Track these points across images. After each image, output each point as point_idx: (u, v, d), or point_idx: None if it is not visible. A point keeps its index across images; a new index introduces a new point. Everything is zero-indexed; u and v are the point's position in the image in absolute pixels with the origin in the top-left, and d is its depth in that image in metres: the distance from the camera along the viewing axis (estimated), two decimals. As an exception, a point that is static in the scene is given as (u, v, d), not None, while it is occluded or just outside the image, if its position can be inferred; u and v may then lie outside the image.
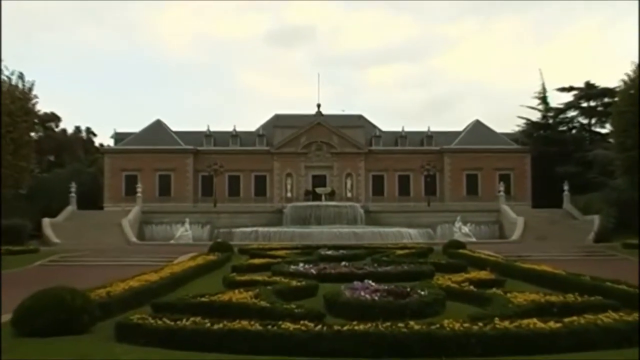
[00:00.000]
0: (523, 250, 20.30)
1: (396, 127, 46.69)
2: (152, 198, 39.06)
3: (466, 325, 5.49)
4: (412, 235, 26.16)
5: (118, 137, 42.73)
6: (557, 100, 50.25)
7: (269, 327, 5.45)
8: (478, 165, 41.53)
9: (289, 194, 41.56)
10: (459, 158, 41.84)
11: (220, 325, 5.53)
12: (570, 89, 42.69)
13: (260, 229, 27.82)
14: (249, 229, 27.90)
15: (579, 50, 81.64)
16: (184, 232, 28.25)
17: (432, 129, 44.50)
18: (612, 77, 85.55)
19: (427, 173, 38.19)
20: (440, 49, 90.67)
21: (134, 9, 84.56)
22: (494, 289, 8.31)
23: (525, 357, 5.00)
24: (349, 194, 41.65)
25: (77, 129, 52.26)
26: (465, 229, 28.49)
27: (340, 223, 31.20)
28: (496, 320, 5.60)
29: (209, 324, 5.56)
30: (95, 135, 53.93)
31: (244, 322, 5.57)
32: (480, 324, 5.49)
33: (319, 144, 41.96)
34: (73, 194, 33.42)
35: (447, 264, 13.66)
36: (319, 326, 5.47)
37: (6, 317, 6.56)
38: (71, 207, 32.87)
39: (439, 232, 30.92)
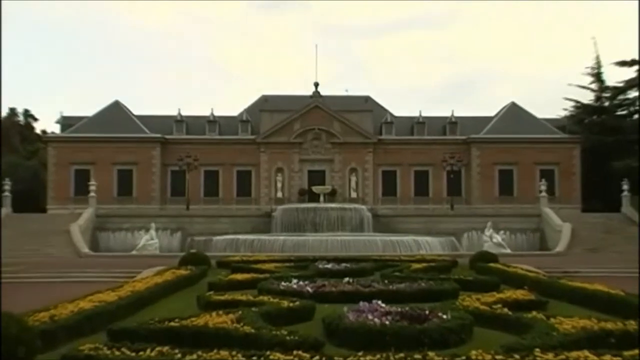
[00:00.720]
0: (570, 264, 20.36)
1: (412, 112, 47.02)
2: (109, 198, 39.23)
3: (499, 357, 5.43)
4: (431, 245, 26.23)
5: (65, 122, 42.66)
6: (616, 77, 50.30)
7: (254, 358, 5.40)
8: (514, 158, 41.62)
9: (279, 194, 41.72)
10: (490, 150, 41.95)
11: (194, 356, 5.47)
12: (633, 62, 39.39)
13: (244, 236, 27.85)
14: (230, 237, 27.93)
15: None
16: (148, 240, 28.17)
17: (457, 113, 44.78)
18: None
19: (450, 168, 38.24)
20: (469, 14, 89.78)
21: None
22: (534, 313, 8.26)
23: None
24: (353, 194, 41.84)
25: (12, 111, 51.46)
26: (498, 238, 28.49)
27: (342, 230, 31.35)
28: (537, 352, 5.52)
29: (179, 355, 5.51)
30: (36, 119, 53.54)
31: (224, 353, 5.49)
32: (517, 356, 5.43)
33: (316, 132, 42.09)
34: (7, 194, 33.30)
35: (475, 281, 13.67)
36: (316, 357, 5.43)
37: None
38: (5, 210, 32.75)
39: (465, 241, 31.04)
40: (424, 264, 17.60)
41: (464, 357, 5.40)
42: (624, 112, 42.98)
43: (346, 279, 13.08)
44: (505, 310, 8.59)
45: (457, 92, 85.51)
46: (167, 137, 42.10)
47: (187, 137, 42.66)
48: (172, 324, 7.24)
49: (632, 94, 41.74)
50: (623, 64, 40.19)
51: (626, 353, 5.52)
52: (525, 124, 42.89)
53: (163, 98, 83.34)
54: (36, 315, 7.54)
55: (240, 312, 7.90)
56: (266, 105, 43.82)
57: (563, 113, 46.51)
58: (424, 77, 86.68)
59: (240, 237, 27.88)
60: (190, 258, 18.08)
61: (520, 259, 20.69)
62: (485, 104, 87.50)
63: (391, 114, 45.26)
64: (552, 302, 10.54)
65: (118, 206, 38.02)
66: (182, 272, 15.37)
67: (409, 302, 9.94)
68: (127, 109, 43.99)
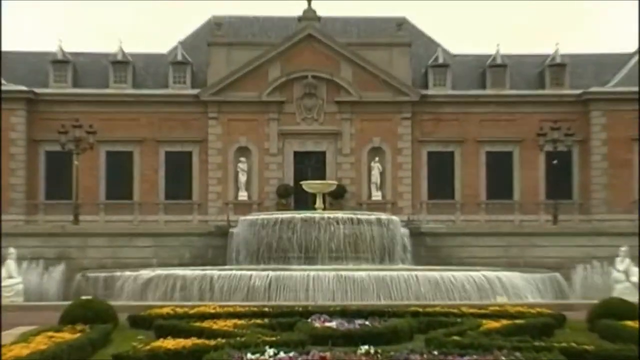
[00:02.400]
0: None
1: (481, 48, 47.08)
2: None
3: None
4: (517, 287, 25.93)
5: None
6: None
7: None
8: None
9: (242, 195, 42.01)
10: (628, 115, 42.13)
11: None
12: None
13: (179, 271, 27.65)
14: (153, 273, 27.75)
15: None
16: (5, 279, 27.98)
17: (563, 50, 44.98)
18: None
19: (552, 148, 38.07)
20: None
21: None
22: None
23: None
24: (376, 195, 42.14)
25: None
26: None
27: (357, 259, 31.19)
28: None
29: None
30: None
31: None
32: None
33: (310, 82, 42.29)
34: None
35: (600, 353, 13.51)
36: None
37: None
38: None
39: (579, 280, 30.78)
40: (505, 321, 17.38)
41: None
42: None
43: (364, 348, 12.91)
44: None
45: (559, 19, 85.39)
46: (39, 91, 42.29)
47: (77, 91, 42.93)
48: None
49: None
50: None
51: None
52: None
53: (35, 26, 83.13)
54: None
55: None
56: (219, 34, 43.91)
57: None
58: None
59: (173, 271, 27.62)
60: (82, 311, 17.86)
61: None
62: (604, 39, 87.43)
63: (445, 51, 45.50)
64: None
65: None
66: (67, 336, 15.21)
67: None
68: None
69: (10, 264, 28.69)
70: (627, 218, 38.91)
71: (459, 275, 26.51)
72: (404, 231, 33.20)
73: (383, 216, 34.51)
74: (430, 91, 43.34)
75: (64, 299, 26.33)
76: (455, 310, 19.53)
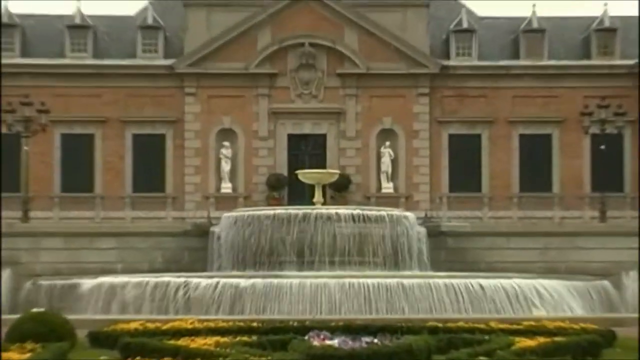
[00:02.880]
0: None
1: (514, 10, 46.83)
2: None
3: None
4: (557, 298, 26.09)
5: None
6: None
7: None
8: None
9: (225, 187, 42.16)
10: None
11: None
12: None
13: (150, 277, 27.70)
14: (118, 280, 27.80)
15: None
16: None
17: (613, 12, 44.84)
18: None
19: (600, 130, 38.07)
20: None
21: None
22: None
23: None
24: (386, 187, 42.30)
25: None
26: None
27: (363, 263, 31.42)
28: None
29: None
30: None
31: None
32: None
33: (307, 51, 42.37)
34: None
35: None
36: None
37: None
38: None
39: (631, 288, 30.64)
40: (542, 339, 17.41)
41: None
42: None
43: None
44: None
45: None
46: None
47: (25, 61, 42.94)
48: None
49: None
50: None
51: None
52: None
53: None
54: None
55: None
56: (197, -6, 44.10)
57: None
58: None
59: (142, 279, 27.68)
60: (33, 326, 17.85)
61: None
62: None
63: (470, 13, 45.53)
64: None
65: None
66: (14, 357, 15.21)
67: None
68: None
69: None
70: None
71: (486, 283, 26.50)
72: (421, 230, 33.23)
73: (395, 212, 34.47)
74: (453, 62, 43.41)
75: (10, 311, 26.12)
76: (482, 326, 19.49)
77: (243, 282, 26.52)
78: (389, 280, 26.87)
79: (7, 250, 32.86)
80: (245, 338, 17.38)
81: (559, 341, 16.94)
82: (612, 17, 44.30)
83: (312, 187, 36.23)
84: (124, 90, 42.66)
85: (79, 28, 43.60)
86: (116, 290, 27.08)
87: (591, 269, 31.21)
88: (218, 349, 15.80)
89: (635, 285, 31.03)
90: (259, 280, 26.68)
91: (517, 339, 17.15)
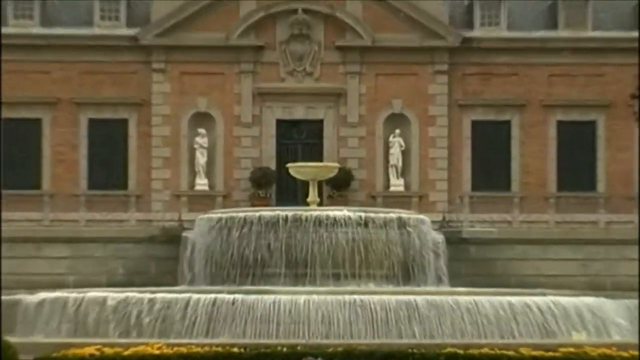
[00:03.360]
0: None
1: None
2: None
3: None
4: (601, 320, 26.19)
5: None
6: None
7: None
8: None
9: (200, 183, 42.13)
10: None
11: None
12: None
13: (109, 293, 27.68)
14: (71, 295, 27.67)
15: None
16: None
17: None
18: None
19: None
20: None
21: None
22: None
23: None
24: (395, 184, 42.27)
25: None
26: None
27: (367, 277, 31.47)
28: None
29: None
30: None
31: None
32: None
33: (300, 19, 42.34)
34: None
35: None
36: None
37: None
38: None
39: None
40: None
41: None
42: None
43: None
44: None
45: None
46: None
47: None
48: None
49: None
50: None
51: None
52: None
53: None
54: None
55: None
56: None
57: None
58: None
59: (99, 294, 27.68)
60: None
61: None
62: None
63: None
64: None
65: None
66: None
67: None
68: None
69: None
70: None
71: (517, 301, 26.50)
72: (437, 237, 33.31)
73: (407, 215, 34.52)
74: (477, 33, 43.31)
75: None
76: (511, 353, 19.56)
77: (221, 299, 26.48)
78: (398, 298, 26.81)
79: None
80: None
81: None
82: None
83: (305, 185, 36.37)
84: (77, 67, 42.55)
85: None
86: (68, 308, 27.02)
87: (643, 282, 31.20)
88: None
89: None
90: (240, 297, 26.61)
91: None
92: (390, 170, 42.17)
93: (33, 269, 32.45)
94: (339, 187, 39.93)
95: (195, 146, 41.98)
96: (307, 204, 33.93)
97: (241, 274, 31.31)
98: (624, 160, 42.61)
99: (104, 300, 26.98)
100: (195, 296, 26.97)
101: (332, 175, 37.54)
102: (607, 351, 19.98)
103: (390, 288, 30.01)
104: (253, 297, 26.62)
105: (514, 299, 26.79)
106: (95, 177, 42.47)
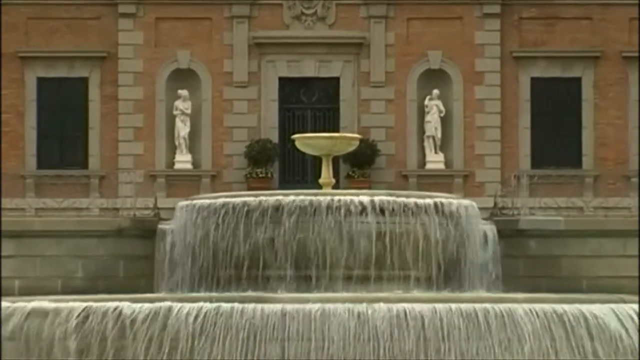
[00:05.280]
0: None
1: None
2: None
3: None
4: None
5: None
6: None
7: None
8: None
9: (182, 159, 42.45)
10: None
11: None
12: None
13: (67, 303, 27.57)
14: (16, 305, 27.60)
15: None
16: None
17: None
18: None
19: None
20: None
21: None
22: None
23: None
24: (434, 159, 42.51)
25: None
26: None
27: (393, 279, 31.31)
28: None
29: None
30: None
31: None
32: None
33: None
34: None
35: None
36: None
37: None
38: None
39: None
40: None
41: None
42: None
43: None
44: None
45: None
46: None
47: None
48: None
49: None
50: None
51: None
52: None
53: None
54: None
55: None
56: None
57: None
58: None
59: (54, 304, 27.70)
60: None
61: None
62: None
63: None
64: None
65: None
66: None
67: None
68: None
69: None
70: None
71: (589, 310, 26.51)
72: (488, 228, 33.13)
73: (447, 200, 34.50)
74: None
75: None
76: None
77: (209, 309, 26.56)
78: (437, 306, 26.89)
79: None
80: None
81: None
82: None
83: (317, 162, 36.38)
84: (24, 11, 42.78)
85: None
86: (11, 321, 27.17)
87: None
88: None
89: None
90: (233, 306, 26.69)
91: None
92: (426, 142, 42.32)
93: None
94: (360, 164, 40.08)
95: (175, 113, 42.21)
96: (320, 187, 34.00)
97: (234, 277, 31.30)
98: None
99: (58, 312, 27.08)
100: (175, 306, 27.07)
101: (351, 149, 37.47)
102: None
103: (427, 294, 29.87)
104: (250, 306, 26.59)
105: (585, 307, 26.65)
106: (47, 153, 42.69)
